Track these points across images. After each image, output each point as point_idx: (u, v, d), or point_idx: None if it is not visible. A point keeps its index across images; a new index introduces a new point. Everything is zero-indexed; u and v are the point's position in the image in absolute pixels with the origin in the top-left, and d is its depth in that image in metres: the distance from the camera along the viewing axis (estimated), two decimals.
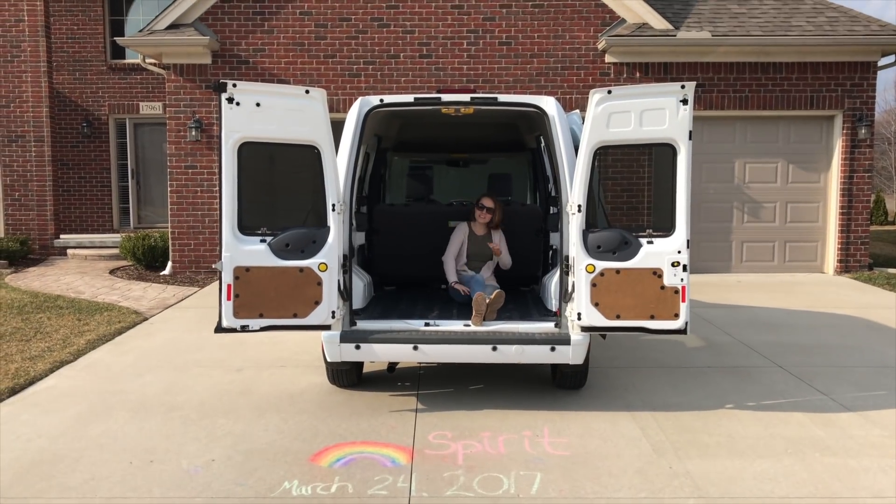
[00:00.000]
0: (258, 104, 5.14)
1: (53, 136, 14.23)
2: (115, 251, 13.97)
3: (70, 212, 16.47)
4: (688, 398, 5.96)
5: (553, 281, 5.94)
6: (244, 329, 5.30)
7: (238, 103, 5.12)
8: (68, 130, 16.37)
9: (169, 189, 12.10)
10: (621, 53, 11.88)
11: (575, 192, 5.31)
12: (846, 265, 12.23)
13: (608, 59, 11.95)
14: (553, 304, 5.91)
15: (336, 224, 5.32)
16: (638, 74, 11.91)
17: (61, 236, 14.63)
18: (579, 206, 5.29)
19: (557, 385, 6.07)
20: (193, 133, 11.77)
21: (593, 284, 5.28)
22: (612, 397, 5.95)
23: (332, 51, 11.91)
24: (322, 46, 11.92)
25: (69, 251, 14.31)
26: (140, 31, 11.88)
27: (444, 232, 6.79)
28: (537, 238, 6.85)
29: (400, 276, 7.04)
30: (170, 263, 12.28)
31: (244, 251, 5.24)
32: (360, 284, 5.99)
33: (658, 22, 11.70)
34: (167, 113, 12.04)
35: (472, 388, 6.13)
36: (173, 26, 11.77)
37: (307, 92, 5.18)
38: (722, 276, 12.07)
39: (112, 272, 12.46)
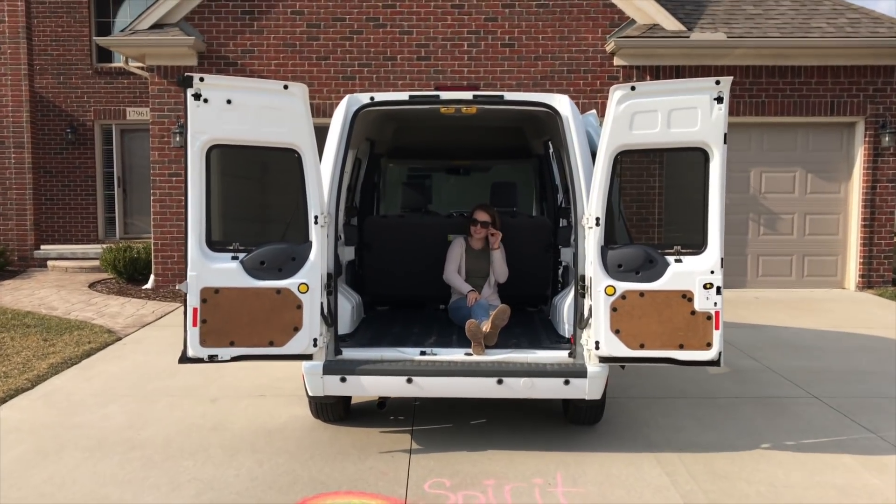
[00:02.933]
0: (229, 101, 4.48)
1: (35, 143, 13.58)
2: (98, 263, 13.28)
3: (53, 221, 15.77)
4: (717, 436, 5.27)
5: (566, 303, 5.26)
6: (212, 359, 4.61)
7: (206, 100, 4.46)
8: (52, 136, 15.70)
9: (152, 198, 11.44)
10: (631, 56, 11.24)
11: (592, 202, 4.64)
12: (868, 281, 11.56)
13: (617, 61, 11.31)
14: (566, 330, 5.23)
15: (319, 239, 4.65)
16: (648, 78, 11.26)
17: (42, 247, 13.96)
18: (597, 218, 4.62)
19: (570, 420, 5.38)
20: (178, 139, 11.11)
21: (613, 309, 4.60)
22: (631, 435, 5.26)
23: (326, 52, 11.27)
24: (315, 48, 11.28)
25: (49, 263, 13.64)
26: (122, 31, 11.23)
27: (442, 246, 6.12)
28: (546, 254, 6.18)
29: (393, 295, 6.36)
30: (152, 277, 11.60)
31: (213, 270, 4.57)
32: (348, 306, 5.31)
33: (670, 23, 11.07)
34: (150, 118, 11.38)
35: (474, 424, 5.44)
36: (157, 26, 11.13)
37: (286, 87, 4.51)
38: (737, 292, 11.39)
39: (91, 286, 11.77)
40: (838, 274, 11.84)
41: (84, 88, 15.68)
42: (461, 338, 5.27)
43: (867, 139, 11.43)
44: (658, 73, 11.26)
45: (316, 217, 4.64)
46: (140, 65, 11.96)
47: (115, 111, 15.65)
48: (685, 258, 4.65)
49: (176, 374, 6.74)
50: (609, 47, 11.21)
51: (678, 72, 11.24)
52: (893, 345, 8.03)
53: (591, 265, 4.63)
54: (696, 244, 4.67)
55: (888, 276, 11.60)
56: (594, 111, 6.01)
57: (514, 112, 6.02)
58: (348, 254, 5.89)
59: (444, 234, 6.23)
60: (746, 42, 10.92)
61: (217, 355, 4.62)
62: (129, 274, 11.96)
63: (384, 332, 5.45)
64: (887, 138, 11.28)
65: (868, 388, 6.40)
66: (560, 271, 6.18)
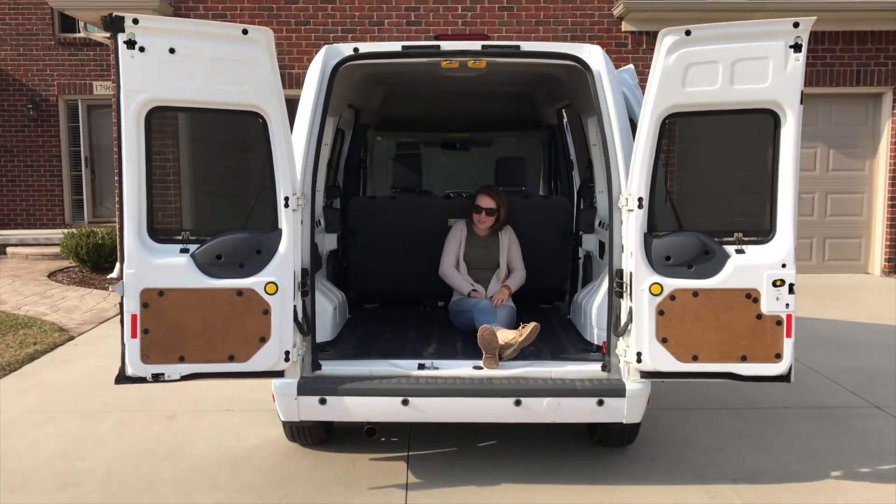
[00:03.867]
0: (172, 50, 3.49)
1: None
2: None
3: (15, 205, 14.67)
4: (775, 460, 4.38)
5: (594, 302, 4.34)
6: (157, 379, 3.66)
7: (142, 48, 3.47)
8: (12, 113, 14.55)
9: (116, 178, 10.38)
10: (641, 21, 10.27)
11: (634, 180, 3.70)
12: (895, 265, 10.70)
13: (625, 27, 10.34)
14: (595, 335, 4.31)
15: (291, 226, 3.70)
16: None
17: (1, 232, 12.88)
18: (640, 199, 3.69)
19: (598, 442, 4.48)
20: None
21: (660, 312, 3.68)
22: (672, 460, 4.37)
23: (306, 16, 10.21)
24: (293, 12, 10.23)
25: (9, 249, 12.59)
26: None
27: (441, 231, 5.18)
28: (565, 241, 5.24)
29: (384, 290, 5.41)
30: (118, 265, 10.57)
31: (156, 266, 3.61)
32: (329, 308, 4.36)
33: None
34: (112, 90, 10.30)
35: (483, 447, 4.52)
36: None
37: (245, 32, 3.52)
38: None
39: (51, 275, 10.75)
40: (862, 258, 10.99)
41: (46, 61, 14.53)
42: (468, 344, 4.35)
43: (895, 111, 10.53)
44: None
45: (286, 199, 3.68)
46: (106, 34, 10.86)
47: (80, 85, 14.53)
48: (749, 248, 3.74)
49: None
50: (617, 11, 10.23)
51: None
52: None
53: (632, 257, 3.71)
54: (764, 230, 3.76)
55: None
56: (631, 66, 5.08)
57: (526, 73, 5.07)
58: (329, 242, 4.94)
59: (443, 218, 5.28)
60: (768, 4, 9.95)
61: (163, 374, 3.66)
62: (92, 262, 10.94)
63: (373, 339, 4.51)
64: None
65: None
66: (581, 262, 5.25)
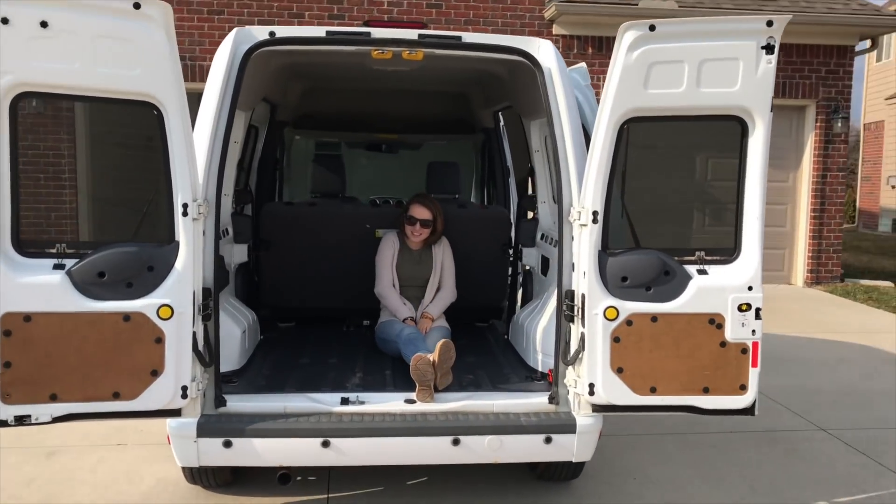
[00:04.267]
0: (45, 24, 2.87)
1: None
2: None
3: None
4: (729, 495, 4.06)
5: (538, 325, 3.92)
6: (22, 422, 3.02)
7: (5, 20, 2.85)
8: None
9: None
10: (572, 24, 10.01)
11: (588, 191, 3.29)
12: (817, 276, 10.80)
13: (556, 30, 10.07)
14: (538, 361, 3.89)
15: (191, 237, 3.12)
16: (591, 50, 10.08)
17: None
18: (594, 213, 3.29)
19: (540, 477, 4.06)
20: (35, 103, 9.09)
21: (615, 339, 3.29)
22: (621, 495, 3.98)
23: (219, 5, 9.49)
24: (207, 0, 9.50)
25: None
26: None
27: (365, 242, 4.67)
28: (504, 255, 4.81)
29: (302, 308, 4.85)
30: None
31: (22, 286, 2.97)
32: (236, 332, 3.79)
33: None
34: None
35: (413, 485, 4.03)
36: None
37: (137, 6, 2.93)
38: None
39: None
40: (785, 268, 11.04)
41: None
42: (398, 372, 3.85)
43: (818, 125, 10.62)
44: (601, 44, 10.07)
45: (185, 205, 3.10)
46: None
47: None
48: (712, 268, 3.39)
49: None
50: (548, 13, 9.93)
51: None
52: (874, 354, 7.12)
53: (585, 277, 3.30)
54: (727, 249, 3.42)
55: (836, 271, 10.87)
56: (583, 65, 4.69)
57: (463, 69, 4.62)
58: (239, 254, 4.35)
59: (368, 228, 4.77)
60: (699, 12, 9.85)
61: (29, 416, 3.03)
62: None
63: (289, 367, 3.95)
64: (839, 124, 10.50)
65: (876, 417, 5.36)
66: (521, 278, 4.83)
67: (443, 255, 4.55)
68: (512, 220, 4.97)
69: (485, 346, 4.42)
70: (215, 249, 3.33)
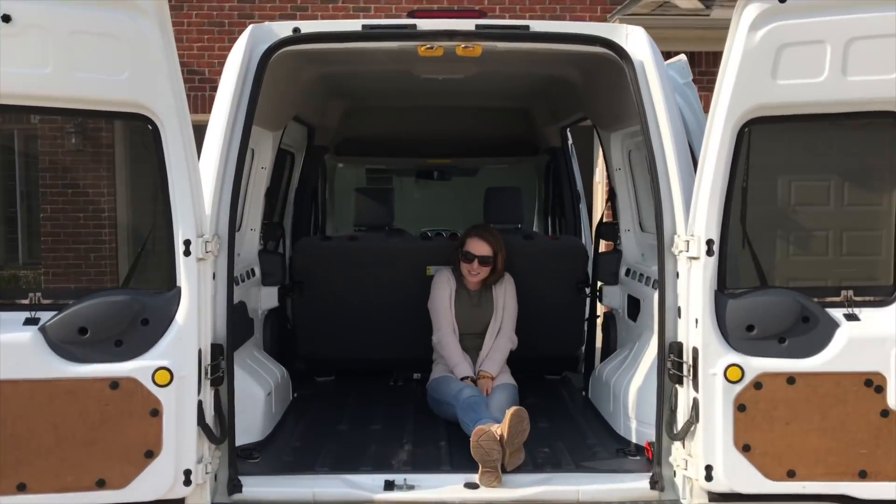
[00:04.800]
0: (7, 18, 2.31)
1: None
2: None
3: None
4: None
5: (630, 383, 3.16)
6: None
7: None
8: None
9: (42, 215, 9.08)
10: None
11: (699, 215, 2.56)
12: None
13: None
14: (630, 429, 3.12)
15: (195, 281, 2.50)
16: None
17: None
18: (709, 242, 2.55)
19: None
20: (74, 140, 8.79)
21: (740, 407, 2.53)
22: None
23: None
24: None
25: None
26: None
27: (416, 282, 3.95)
28: (579, 295, 4.05)
29: (342, 360, 4.16)
30: None
31: None
32: (259, 394, 3.12)
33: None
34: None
35: None
36: None
37: None
38: None
39: None
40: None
41: None
42: (454, 445, 3.13)
43: None
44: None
45: (188, 242, 2.47)
46: None
47: None
48: (865, 312, 2.61)
49: None
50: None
51: (695, 59, 9.28)
52: None
53: (698, 326, 2.55)
54: (882, 288, 2.64)
55: None
56: (682, 56, 3.98)
57: (526, 77, 3.96)
58: (268, 299, 3.71)
59: (419, 265, 4.07)
60: None
61: None
62: None
63: (323, 435, 3.26)
64: None
65: None
66: (600, 322, 4.08)
67: (505, 296, 3.81)
68: (588, 253, 4.23)
69: (560, 407, 3.66)
70: (228, 296, 2.68)
